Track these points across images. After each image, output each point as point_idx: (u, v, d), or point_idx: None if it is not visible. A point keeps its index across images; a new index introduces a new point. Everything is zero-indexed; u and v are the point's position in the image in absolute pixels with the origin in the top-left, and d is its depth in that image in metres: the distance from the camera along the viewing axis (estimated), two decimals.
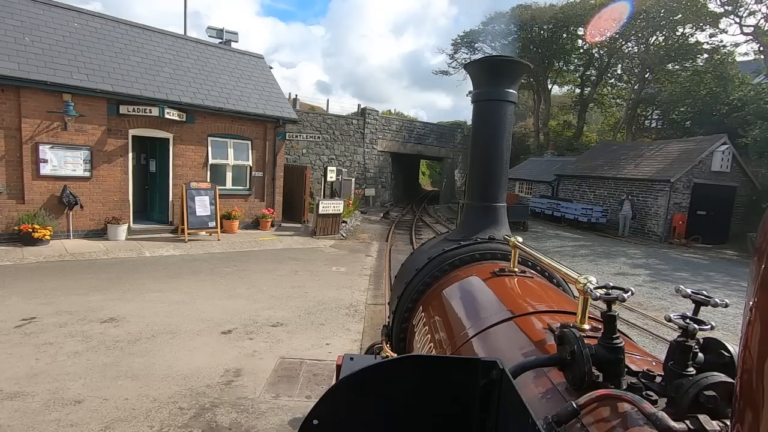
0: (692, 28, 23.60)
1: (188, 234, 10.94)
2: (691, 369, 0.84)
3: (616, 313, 0.98)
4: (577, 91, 31.91)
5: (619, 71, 29.33)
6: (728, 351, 0.86)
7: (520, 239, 1.97)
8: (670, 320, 0.91)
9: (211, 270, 8.59)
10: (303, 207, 14.85)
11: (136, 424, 3.56)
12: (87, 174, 10.17)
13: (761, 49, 21.46)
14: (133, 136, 10.92)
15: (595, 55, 29.10)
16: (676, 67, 24.90)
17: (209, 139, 12.30)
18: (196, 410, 3.82)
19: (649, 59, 24.90)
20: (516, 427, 0.83)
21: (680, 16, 22.94)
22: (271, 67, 15.57)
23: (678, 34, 24.07)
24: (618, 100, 31.42)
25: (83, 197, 10.09)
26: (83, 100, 9.88)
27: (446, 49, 70.66)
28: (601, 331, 0.99)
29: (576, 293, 1.31)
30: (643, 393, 0.87)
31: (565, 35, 28.86)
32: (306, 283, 8.09)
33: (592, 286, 1.07)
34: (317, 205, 12.89)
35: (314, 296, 7.34)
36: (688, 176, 17.13)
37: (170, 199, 11.77)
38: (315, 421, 0.90)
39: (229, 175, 12.99)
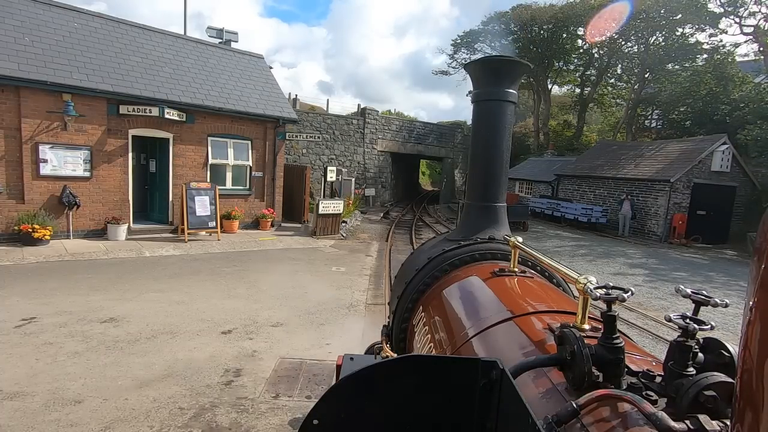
0: (692, 28, 23.61)
1: (188, 234, 10.94)
2: (691, 369, 0.84)
3: (616, 313, 0.98)
4: (577, 91, 31.91)
5: (619, 71, 29.32)
6: (728, 351, 0.86)
7: (520, 239, 1.96)
8: (670, 320, 0.91)
9: (211, 270, 8.59)
10: (303, 207, 14.84)
11: (136, 424, 3.56)
12: (87, 174, 10.17)
13: (761, 49, 21.47)
14: (133, 136, 10.91)
15: (595, 55, 29.09)
16: (676, 67, 24.89)
17: (209, 139, 12.30)
18: (196, 410, 3.82)
19: (649, 59, 24.90)
20: (516, 428, 0.83)
21: (680, 16, 22.94)
22: (271, 67, 15.57)
23: (678, 34, 24.07)
24: (618, 100, 31.41)
25: (83, 197, 10.09)
26: (83, 100, 9.88)
27: (446, 49, 70.68)
28: (601, 331, 0.99)
29: (576, 293, 1.31)
30: (643, 393, 0.87)
31: (565, 35, 28.85)
32: (306, 283, 8.09)
33: (592, 286, 1.07)
34: (317, 205, 12.89)
35: (314, 296, 7.34)
36: (688, 176, 17.13)
37: (170, 199, 11.76)
38: (315, 421, 0.90)
39: (229, 175, 12.99)
